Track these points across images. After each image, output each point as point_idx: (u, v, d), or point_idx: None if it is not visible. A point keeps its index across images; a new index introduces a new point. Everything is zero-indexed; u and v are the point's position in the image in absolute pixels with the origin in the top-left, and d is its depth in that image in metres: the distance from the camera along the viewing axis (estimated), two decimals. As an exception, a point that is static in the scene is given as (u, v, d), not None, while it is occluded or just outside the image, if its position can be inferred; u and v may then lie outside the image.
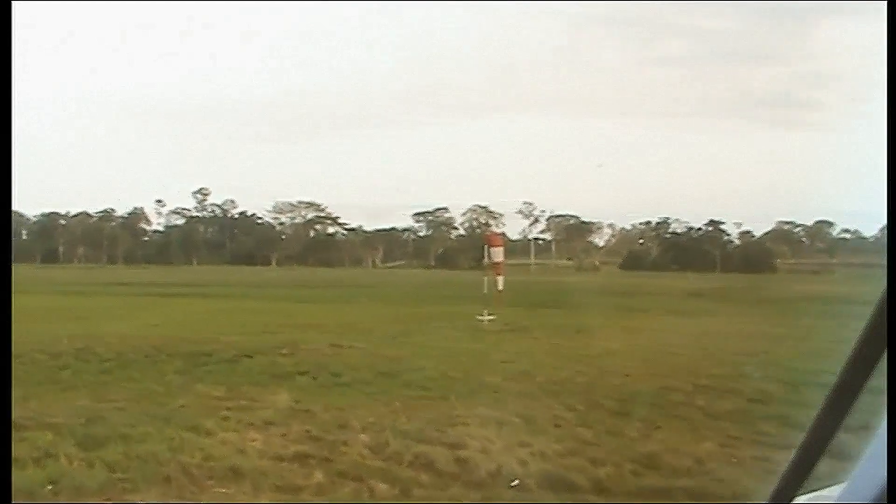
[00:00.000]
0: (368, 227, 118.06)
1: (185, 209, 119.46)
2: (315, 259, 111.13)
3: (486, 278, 28.71)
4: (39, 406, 12.86)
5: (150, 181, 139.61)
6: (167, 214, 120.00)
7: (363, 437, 11.12)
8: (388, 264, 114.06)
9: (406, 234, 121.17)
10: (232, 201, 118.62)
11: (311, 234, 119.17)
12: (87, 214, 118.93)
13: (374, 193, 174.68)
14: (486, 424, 12.02)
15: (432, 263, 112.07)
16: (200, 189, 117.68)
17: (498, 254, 30.49)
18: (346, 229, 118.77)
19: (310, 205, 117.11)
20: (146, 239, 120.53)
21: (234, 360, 18.32)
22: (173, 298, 42.74)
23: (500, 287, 28.41)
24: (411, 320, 29.82)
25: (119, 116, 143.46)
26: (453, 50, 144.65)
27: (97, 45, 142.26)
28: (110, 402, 13.59)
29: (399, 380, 16.18)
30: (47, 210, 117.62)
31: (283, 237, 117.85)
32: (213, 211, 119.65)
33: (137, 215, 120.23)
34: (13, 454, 9.76)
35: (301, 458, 10.10)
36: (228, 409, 12.98)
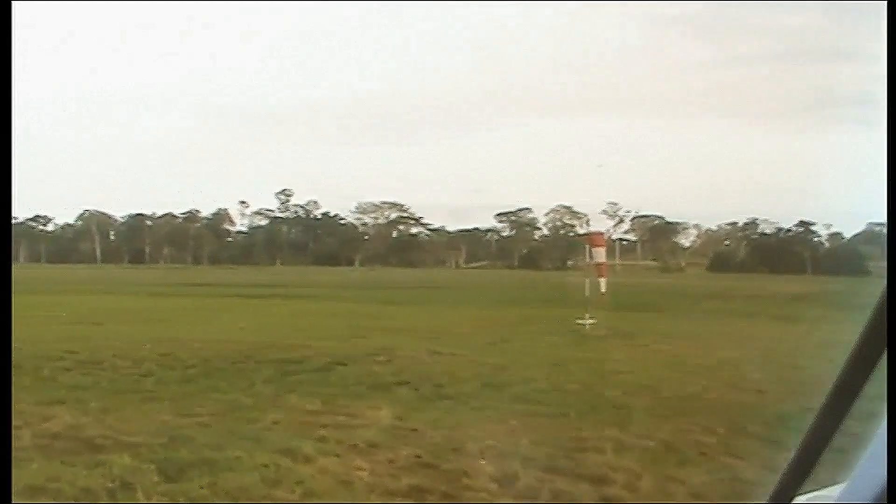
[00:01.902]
0: (451, 228, 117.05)
1: (268, 210, 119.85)
2: (398, 259, 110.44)
3: (587, 280, 26.91)
4: (118, 421, 11.64)
5: (233, 183, 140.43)
6: (250, 215, 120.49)
7: (484, 465, 9.56)
8: (472, 265, 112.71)
9: (489, 234, 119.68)
10: (315, 202, 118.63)
11: (394, 234, 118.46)
12: (173, 215, 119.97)
13: (456, 194, 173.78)
14: (622, 450, 10.39)
15: (516, 264, 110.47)
16: (283, 190, 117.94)
17: (600, 254, 28.62)
18: (429, 230, 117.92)
19: (393, 205, 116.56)
20: (230, 240, 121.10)
21: (327, 368, 16.95)
22: (258, 300, 41.84)
23: (603, 289, 26.59)
24: (506, 324, 28.27)
25: (201, 118, 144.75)
26: (531, 51, 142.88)
27: (152, 40, 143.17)
28: (194, 416, 12.28)
29: (508, 392, 14.61)
30: (134, 211, 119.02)
31: (366, 238, 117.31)
32: (296, 212, 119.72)
33: (221, 216, 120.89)
34: (87, 483, 8.54)
35: (417, 493, 8.57)
36: (325, 426, 11.53)
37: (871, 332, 1.62)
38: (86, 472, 8.86)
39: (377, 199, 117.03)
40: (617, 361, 19.02)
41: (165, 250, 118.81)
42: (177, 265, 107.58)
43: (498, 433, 11.26)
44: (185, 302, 39.63)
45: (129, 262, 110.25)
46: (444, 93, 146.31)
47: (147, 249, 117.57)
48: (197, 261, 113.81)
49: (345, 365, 17.30)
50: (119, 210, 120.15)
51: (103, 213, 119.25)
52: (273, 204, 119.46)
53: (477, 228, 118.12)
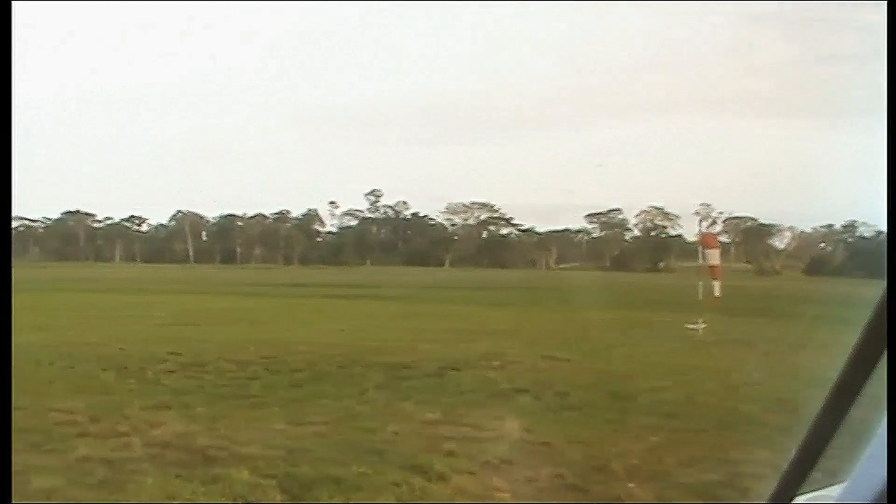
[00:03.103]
0: (541, 229, 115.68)
1: (357, 210, 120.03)
2: (488, 260, 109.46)
3: (700, 283, 25.65)
4: (229, 430, 10.98)
5: (322, 183, 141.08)
6: (340, 216, 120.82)
7: (634, 488, 8.58)
8: (562, 266, 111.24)
9: (579, 235, 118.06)
10: (404, 202, 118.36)
11: (484, 234, 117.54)
12: (263, 216, 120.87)
13: (545, 194, 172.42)
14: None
15: (607, 265, 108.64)
16: (373, 191, 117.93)
17: (714, 256, 27.18)
18: (519, 230, 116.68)
19: (482, 205, 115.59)
20: (320, 240, 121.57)
21: (440, 374, 16.15)
22: (353, 300, 41.31)
23: (717, 293, 25.26)
24: (612, 328, 27.04)
25: (288, 120, 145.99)
26: (618, 49, 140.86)
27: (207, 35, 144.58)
28: (308, 424, 11.58)
29: (637, 403, 13.58)
30: (226, 212, 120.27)
31: (456, 238, 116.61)
32: (385, 212, 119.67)
33: (311, 216, 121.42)
34: (207, 501, 7.85)
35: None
36: (450, 438, 10.68)
37: (871, 332, 1.62)
38: (204, 489, 8.17)
39: (467, 200, 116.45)
40: (742, 371, 17.84)
41: (256, 250, 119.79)
42: (268, 265, 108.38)
43: (640, 451, 10.28)
44: (281, 302, 39.38)
45: (221, 262, 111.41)
46: (533, 92, 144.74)
47: (238, 250, 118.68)
48: (287, 261, 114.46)
49: (458, 370, 16.49)
50: (211, 211, 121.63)
51: (195, 214, 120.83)
52: (362, 204, 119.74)
53: (567, 229, 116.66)
